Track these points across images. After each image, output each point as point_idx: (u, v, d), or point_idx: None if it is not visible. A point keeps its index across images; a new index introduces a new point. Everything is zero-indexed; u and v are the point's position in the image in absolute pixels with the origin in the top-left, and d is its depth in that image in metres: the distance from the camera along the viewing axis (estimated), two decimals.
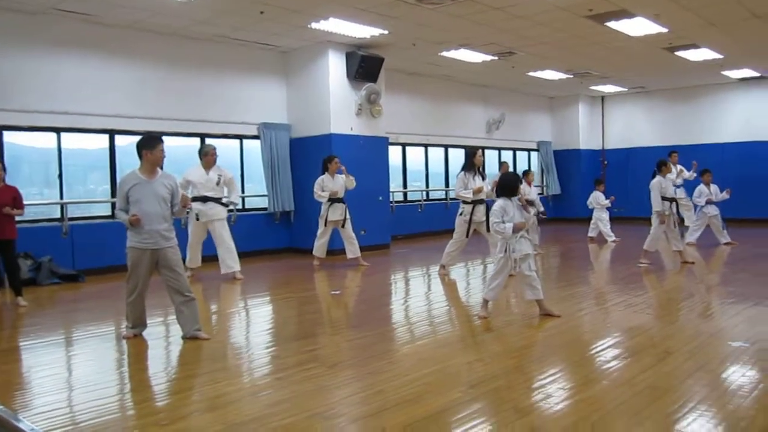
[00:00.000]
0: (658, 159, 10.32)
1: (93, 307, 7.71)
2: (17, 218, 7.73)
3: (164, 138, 5.94)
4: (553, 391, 4.14)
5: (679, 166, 13.40)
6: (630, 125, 19.28)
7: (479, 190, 8.83)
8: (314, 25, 10.38)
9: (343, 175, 10.15)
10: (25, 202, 7.78)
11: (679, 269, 9.55)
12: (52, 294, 8.53)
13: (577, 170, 19.35)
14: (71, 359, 5.54)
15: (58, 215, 9.74)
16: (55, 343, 6.01)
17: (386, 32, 10.83)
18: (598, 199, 13.52)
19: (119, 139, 10.31)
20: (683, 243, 10.34)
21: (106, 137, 10.24)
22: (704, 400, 3.89)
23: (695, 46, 12.47)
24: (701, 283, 8.62)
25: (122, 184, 5.64)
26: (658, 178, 9.83)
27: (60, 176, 9.74)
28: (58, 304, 8.06)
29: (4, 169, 7.68)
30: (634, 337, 5.55)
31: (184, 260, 6.33)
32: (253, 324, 6.90)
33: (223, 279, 9.20)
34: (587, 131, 19.62)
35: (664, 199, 9.74)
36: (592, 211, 13.75)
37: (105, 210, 10.30)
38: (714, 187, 12.14)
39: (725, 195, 12.11)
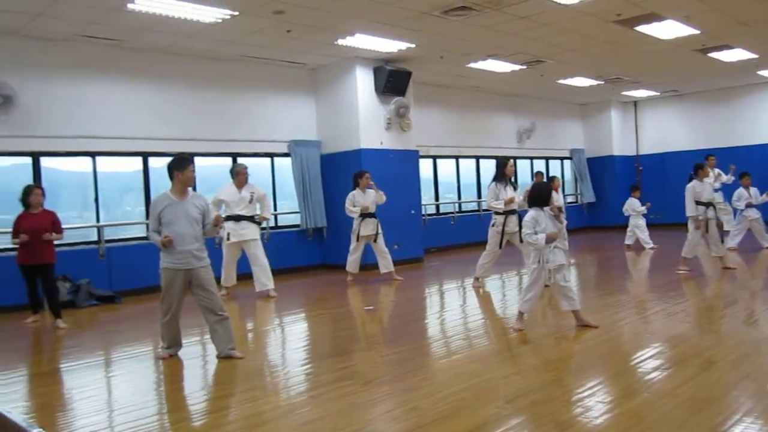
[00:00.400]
0: (694, 163, 10.11)
1: (130, 328, 7.79)
2: (56, 242, 7.88)
3: (196, 158, 6.03)
4: (592, 404, 4.05)
5: (716, 170, 13.13)
6: (664, 130, 18.96)
7: (511, 201, 8.74)
8: (341, 42, 10.43)
9: (373, 191, 10.14)
10: (63, 226, 7.93)
11: (720, 275, 9.31)
12: (90, 316, 8.65)
13: (611, 177, 19.07)
14: (110, 380, 5.59)
15: (95, 238, 9.89)
16: (93, 365, 6.08)
17: (413, 45, 10.84)
18: (633, 206, 13.28)
19: (152, 161, 10.47)
20: (724, 248, 10.09)
21: (139, 159, 10.41)
22: (750, 412, 3.76)
23: (728, 46, 12.23)
24: (744, 289, 8.39)
25: (154, 205, 5.70)
26: (693, 182, 9.62)
27: (96, 199, 9.91)
28: (97, 326, 8.17)
29: (44, 195, 7.84)
30: (675, 347, 5.41)
31: (217, 279, 6.38)
32: (287, 341, 6.90)
33: (258, 297, 9.23)
34: (620, 137, 19.35)
35: (699, 203, 9.52)
36: (628, 218, 13.51)
37: (140, 231, 10.44)
38: (754, 190, 11.85)
39: (765, 197, 11.81)
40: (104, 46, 9.78)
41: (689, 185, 9.61)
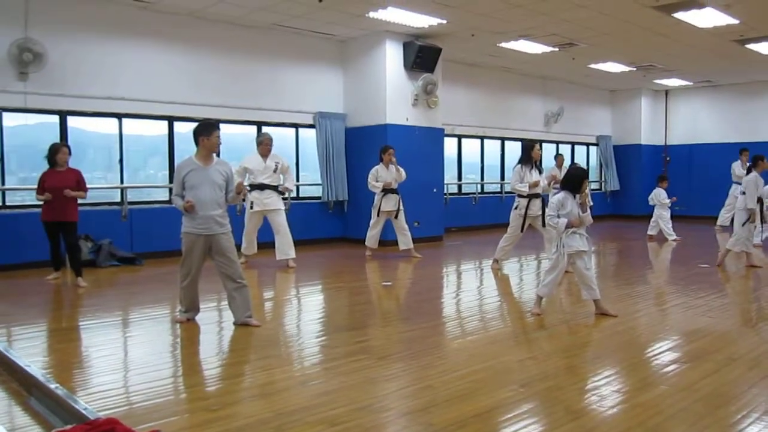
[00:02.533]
0: (753, 154, 9.75)
1: (149, 290, 7.86)
2: (79, 201, 7.94)
3: (221, 125, 5.99)
4: (607, 394, 4.01)
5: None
6: (694, 120, 18.62)
7: (536, 184, 8.66)
8: (372, 15, 10.32)
9: (394, 167, 10.08)
10: (87, 186, 7.99)
11: (744, 272, 9.16)
12: (110, 276, 8.74)
13: (637, 166, 18.82)
14: (127, 340, 5.65)
15: (118, 199, 9.96)
16: (111, 324, 6.14)
17: (444, 22, 10.70)
18: (660, 197, 13.07)
19: (178, 125, 10.49)
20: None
21: (165, 123, 10.43)
22: None
23: None
24: None
25: (179, 170, 5.71)
26: (753, 173, 9.34)
27: (121, 161, 9.96)
28: (116, 286, 8.26)
29: (69, 153, 7.89)
30: (694, 341, 5.34)
31: (238, 247, 6.40)
32: (304, 312, 6.93)
33: (277, 266, 9.26)
34: (649, 126, 19.04)
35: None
36: (652, 208, 13.33)
37: (163, 195, 10.51)
38: None
39: None
40: (136, 9, 9.77)
41: (750, 177, 9.32)
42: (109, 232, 9.54)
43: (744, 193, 9.35)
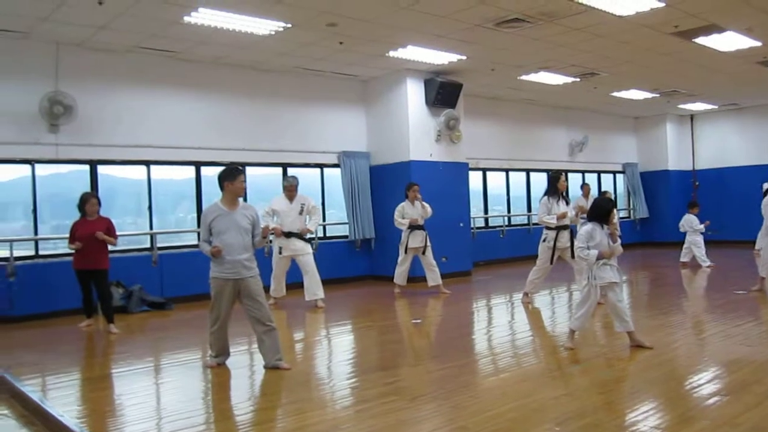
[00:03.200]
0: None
1: (180, 335, 7.90)
2: (110, 248, 8.06)
3: (247, 168, 6.07)
4: (646, 430, 3.90)
5: None
6: (722, 144, 18.40)
7: (563, 216, 8.59)
8: (392, 54, 10.45)
9: (419, 203, 10.08)
10: (117, 233, 8.11)
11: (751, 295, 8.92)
12: (141, 322, 8.80)
13: (665, 192, 18.58)
14: (159, 387, 5.66)
15: (148, 245, 10.09)
16: (143, 371, 6.16)
17: (464, 58, 10.78)
18: (692, 223, 12.84)
19: (205, 170, 10.63)
20: None
21: (192, 168, 10.59)
22: None
23: None
24: None
25: (205, 216, 5.77)
26: None
27: (150, 207, 10.11)
28: (148, 332, 8.31)
29: (99, 203, 8.03)
30: (734, 372, 5.19)
31: (266, 289, 6.41)
32: (334, 353, 6.89)
33: (306, 307, 9.25)
34: (676, 151, 18.85)
35: None
36: (683, 234, 13.11)
37: (192, 239, 10.60)
38: None
39: None
40: (160, 58, 10.00)
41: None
42: (139, 277, 9.64)
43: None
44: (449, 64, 11.25)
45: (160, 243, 10.19)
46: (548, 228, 8.71)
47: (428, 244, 10.14)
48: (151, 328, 8.47)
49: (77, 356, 6.96)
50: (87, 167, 9.59)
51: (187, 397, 5.15)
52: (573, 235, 8.40)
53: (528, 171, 15.87)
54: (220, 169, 5.94)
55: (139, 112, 9.93)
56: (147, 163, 10.07)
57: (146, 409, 4.86)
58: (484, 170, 14.79)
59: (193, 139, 10.41)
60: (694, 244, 12.80)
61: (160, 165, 10.23)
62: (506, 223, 15.34)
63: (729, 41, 10.26)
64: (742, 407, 4.23)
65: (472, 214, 13.57)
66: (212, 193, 9.80)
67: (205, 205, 9.40)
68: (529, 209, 15.76)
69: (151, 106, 10.06)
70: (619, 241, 6.11)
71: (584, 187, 12.37)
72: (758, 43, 10.43)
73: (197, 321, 8.34)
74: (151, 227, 10.12)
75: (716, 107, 17.70)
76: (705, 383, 4.97)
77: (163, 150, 10.13)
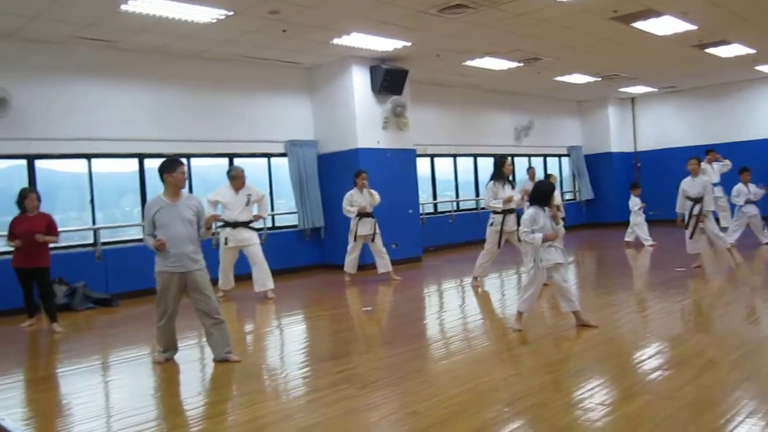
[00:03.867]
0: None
1: (126, 332, 7.74)
2: (51, 245, 7.84)
3: (192, 159, 5.97)
4: (592, 407, 4.00)
5: (716, 164, 13.23)
6: (662, 126, 18.91)
7: (510, 200, 8.70)
8: (337, 41, 10.38)
9: (367, 191, 10.08)
10: (59, 229, 7.89)
11: (717, 273, 9.25)
12: (86, 319, 8.60)
13: (609, 174, 19.02)
14: (106, 385, 5.55)
15: (92, 240, 9.84)
16: (90, 370, 6.02)
17: (409, 44, 10.78)
18: (633, 204, 13.21)
19: (149, 162, 10.40)
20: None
21: (135, 161, 10.35)
22: (754, 413, 3.71)
23: (726, 42, 12.18)
24: (744, 286, 8.35)
25: (148, 209, 5.67)
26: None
27: (92, 201, 9.85)
28: (93, 330, 8.12)
29: (39, 198, 7.78)
30: (676, 347, 5.37)
31: (214, 282, 6.32)
32: (285, 344, 6.86)
33: (256, 298, 9.18)
34: (618, 134, 19.29)
35: (689, 199, 9.46)
36: (627, 215, 13.46)
37: (137, 233, 10.38)
38: (753, 186, 11.77)
39: (762, 190, 11.73)
40: (99, 48, 9.71)
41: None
42: (83, 274, 9.40)
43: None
44: (394, 51, 11.24)
45: (104, 238, 9.94)
46: (495, 212, 8.82)
47: (378, 231, 10.15)
48: (97, 326, 8.28)
49: (20, 357, 6.75)
50: (24, 162, 9.27)
51: (135, 394, 5.06)
52: (519, 218, 8.52)
53: (475, 156, 16.02)
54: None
55: (79, 104, 9.64)
56: (88, 156, 9.79)
57: (94, 408, 4.75)
58: (432, 156, 14.87)
59: (135, 130, 10.16)
60: (637, 225, 13.18)
61: (101, 158, 9.97)
62: (455, 208, 15.46)
63: (666, 25, 10.52)
64: (683, 380, 4.38)
65: (421, 201, 13.63)
66: (157, 186, 9.56)
67: (149, 198, 9.19)
68: (477, 194, 15.92)
69: (91, 97, 9.77)
70: (561, 223, 6.21)
71: (530, 170, 12.59)
72: (694, 27, 10.72)
73: (144, 317, 8.18)
74: (94, 222, 9.87)
75: (656, 90, 18.17)
76: (648, 359, 5.12)
77: (105, 143, 9.86)
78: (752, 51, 13.04)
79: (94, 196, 9.88)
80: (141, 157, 10.35)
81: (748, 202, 11.67)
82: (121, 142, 10.02)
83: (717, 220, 10.66)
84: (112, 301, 9.37)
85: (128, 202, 10.85)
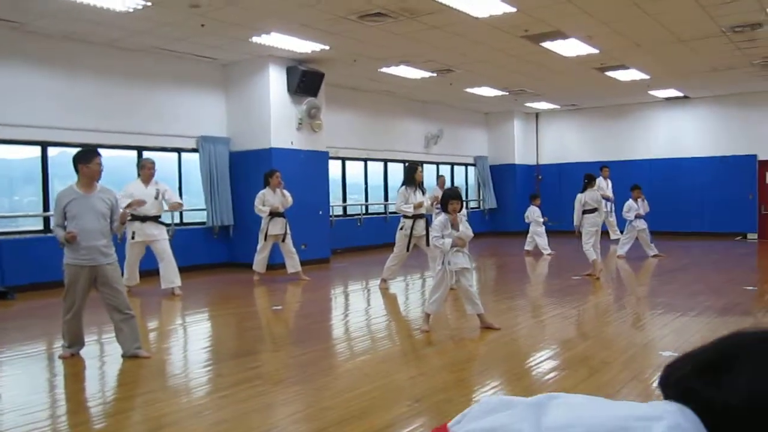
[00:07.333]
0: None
1: (24, 326, 7.44)
2: None
3: (101, 150, 5.84)
4: None
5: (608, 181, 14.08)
6: (563, 141, 19.88)
7: (420, 205, 8.97)
8: (255, 39, 10.35)
9: (280, 191, 10.10)
10: None
11: (609, 281, 9.86)
12: None
13: (512, 185, 19.79)
14: (3, 381, 5.34)
15: None
16: None
17: (327, 48, 10.89)
18: (534, 214, 13.84)
19: (52, 151, 10.00)
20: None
21: (38, 148, 9.92)
22: None
23: (624, 66, 13.00)
24: (632, 294, 8.96)
25: (59, 199, 5.50)
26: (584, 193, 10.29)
27: None
28: None
29: None
30: (571, 349, 5.74)
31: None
32: (193, 341, 6.80)
33: (162, 295, 9.02)
34: (522, 147, 20.12)
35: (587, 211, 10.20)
36: (528, 224, 14.08)
37: (36, 224, 9.97)
38: (642, 203, 12.58)
39: (645, 205, 12.57)
40: (3, 28, 9.28)
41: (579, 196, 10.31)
42: None
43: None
44: (312, 53, 11.32)
45: (0, 228, 9.49)
46: (405, 217, 9.08)
47: (288, 231, 10.19)
48: None
49: None
50: None
51: (35, 389, 4.92)
52: (428, 224, 8.82)
53: (386, 161, 16.29)
54: (70, 150, 5.68)
55: None
56: None
57: None
58: (344, 159, 15.03)
59: (39, 117, 9.73)
60: (537, 234, 13.81)
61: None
62: (364, 211, 15.68)
63: (572, 47, 11.12)
64: (578, 379, 4.72)
65: (331, 203, 13.75)
66: (61, 176, 9.27)
67: (53, 188, 8.89)
68: (386, 198, 16.20)
69: None
70: (466, 228, 6.44)
71: (440, 178, 12.99)
72: (596, 51, 11.39)
73: (43, 310, 7.92)
74: None
75: (558, 107, 19.08)
76: (546, 360, 5.46)
77: (4, 128, 9.41)
78: (646, 77, 13.97)
79: None
80: (44, 144, 9.93)
81: (638, 217, 12.49)
82: (22, 128, 9.58)
83: (607, 233, 11.39)
84: (9, 294, 8.95)
85: (28, 191, 10.39)
